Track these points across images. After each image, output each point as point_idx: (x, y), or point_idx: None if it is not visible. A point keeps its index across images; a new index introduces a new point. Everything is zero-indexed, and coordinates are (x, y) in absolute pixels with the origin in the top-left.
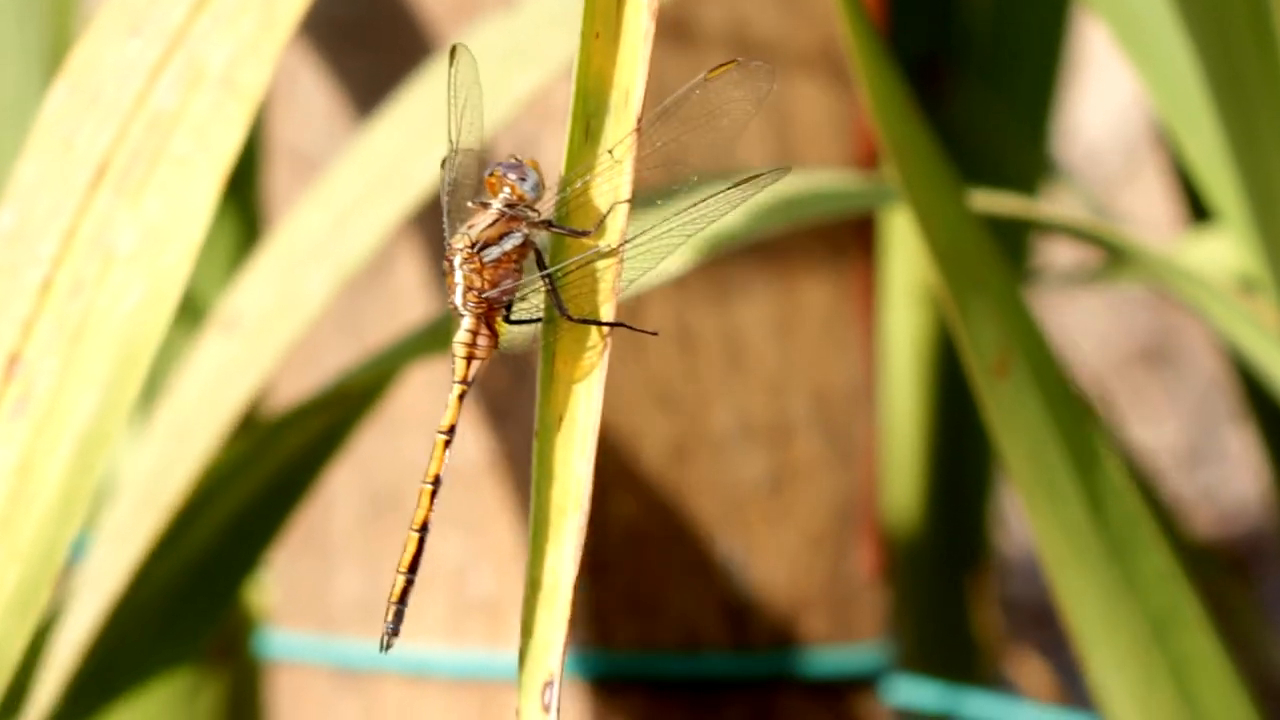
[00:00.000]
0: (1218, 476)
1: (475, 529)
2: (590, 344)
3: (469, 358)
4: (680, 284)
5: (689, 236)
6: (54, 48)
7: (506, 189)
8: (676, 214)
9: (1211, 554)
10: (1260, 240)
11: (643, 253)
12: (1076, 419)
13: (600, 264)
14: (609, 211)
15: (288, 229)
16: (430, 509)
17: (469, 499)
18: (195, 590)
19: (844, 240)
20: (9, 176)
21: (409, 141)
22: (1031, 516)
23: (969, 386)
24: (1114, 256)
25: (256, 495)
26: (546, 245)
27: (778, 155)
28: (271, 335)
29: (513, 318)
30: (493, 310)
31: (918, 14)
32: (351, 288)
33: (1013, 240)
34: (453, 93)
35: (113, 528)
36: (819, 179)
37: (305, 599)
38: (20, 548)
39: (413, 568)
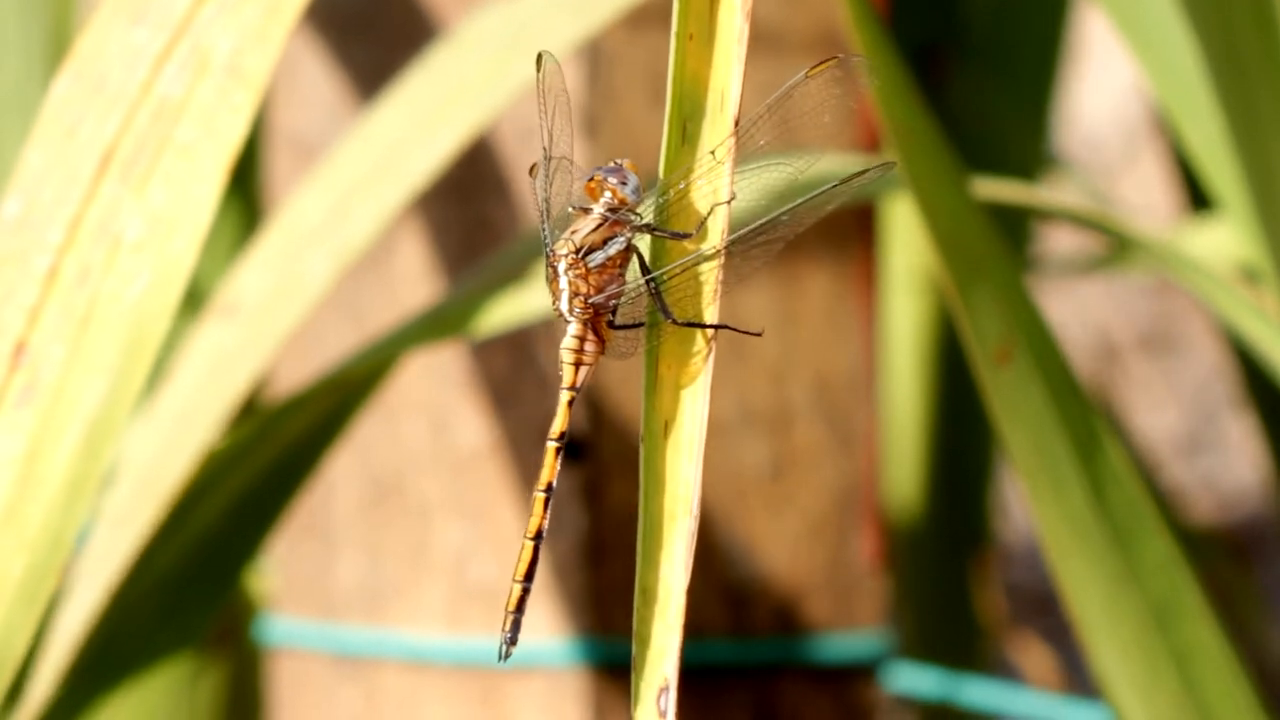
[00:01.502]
0: (1218, 463)
1: (476, 516)
2: (695, 348)
3: (577, 364)
4: None
5: (792, 233)
6: (56, 36)
7: (608, 193)
8: (779, 211)
9: (1211, 541)
10: (1260, 227)
11: (747, 253)
12: (1079, 406)
13: (703, 266)
14: (710, 213)
15: (288, 215)
16: (544, 517)
17: (470, 486)
18: (196, 576)
19: (845, 228)
20: (15, 164)
21: (409, 128)
22: (1034, 503)
23: (970, 374)
24: (1114, 243)
25: (257, 482)
26: (648, 249)
27: (779, 142)
28: (271, 321)
29: (617, 322)
30: (598, 315)
31: (919, 1)
32: (352, 274)
33: (1013, 228)
34: (542, 100)
35: (113, 514)
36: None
37: (306, 585)
38: (27, 536)
39: (528, 576)
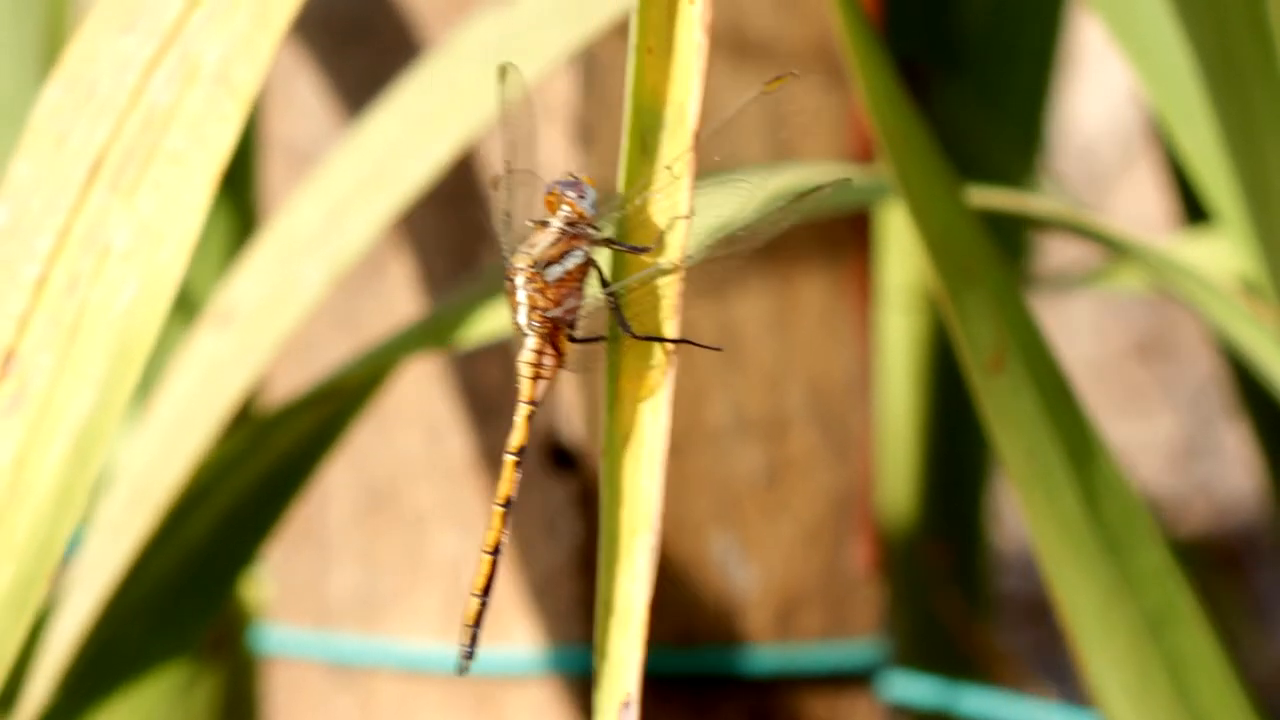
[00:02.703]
0: (1213, 472)
1: (471, 525)
2: (654, 362)
3: (535, 377)
4: None
5: (750, 248)
6: (48, 43)
7: (566, 207)
8: (737, 227)
9: (1206, 549)
10: (1256, 236)
11: (704, 267)
12: (1072, 414)
13: (662, 281)
14: (669, 227)
15: (282, 223)
16: (502, 530)
17: (465, 495)
18: (191, 584)
19: (840, 235)
20: (3, 173)
21: (403, 136)
22: (1027, 511)
23: (965, 381)
24: (1108, 256)
25: (252, 490)
26: (607, 263)
27: (773, 151)
28: (265, 329)
29: (576, 336)
30: (557, 329)
31: (913, 10)
32: (347, 283)
33: (1009, 241)
34: (504, 110)
35: (107, 522)
36: (814, 173)
37: (301, 594)
38: (15, 545)
39: (486, 590)
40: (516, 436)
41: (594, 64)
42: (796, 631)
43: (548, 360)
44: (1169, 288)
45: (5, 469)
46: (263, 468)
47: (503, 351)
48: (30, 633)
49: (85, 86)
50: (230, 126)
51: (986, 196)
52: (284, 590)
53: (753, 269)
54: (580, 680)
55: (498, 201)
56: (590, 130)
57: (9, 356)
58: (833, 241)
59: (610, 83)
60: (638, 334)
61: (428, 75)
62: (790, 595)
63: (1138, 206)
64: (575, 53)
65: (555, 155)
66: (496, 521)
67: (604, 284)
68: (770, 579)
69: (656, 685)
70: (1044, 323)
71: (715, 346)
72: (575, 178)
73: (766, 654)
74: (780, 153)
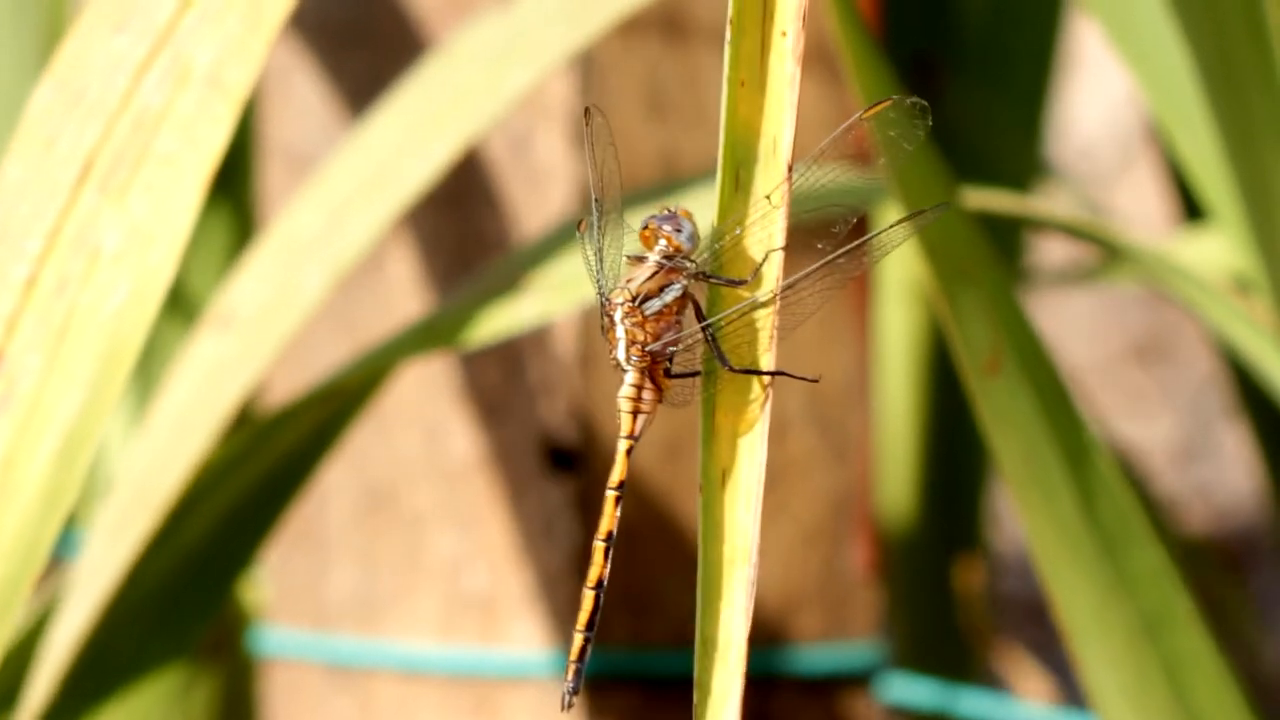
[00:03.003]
0: (1212, 473)
1: (468, 526)
2: (752, 395)
3: (635, 412)
4: None
5: (850, 276)
6: (48, 44)
7: (663, 240)
8: (836, 254)
9: (1205, 550)
10: (1253, 237)
11: (803, 298)
12: (1068, 415)
13: (759, 313)
14: (764, 260)
15: (282, 226)
16: (605, 566)
17: (463, 496)
18: (189, 586)
19: (837, 237)
20: None
21: (402, 139)
22: (1023, 513)
23: (963, 383)
24: (1108, 253)
25: (250, 492)
26: (704, 296)
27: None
28: (266, 332)
29: (673, 370)
30: (655, 364)
31: (912, 11)
32: (345, 285)
33: (1007, 238)
34: (590, 151)
35: (107, 524)
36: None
37: (299, 596)
38: (2, 545)
39: (589, 625)
40: (617, 472)
41: (591, 66)
42: (795, 633)
43: (647, 395)
44: (1168, 289)
45: None
46: (261, 469)
47: (501, 352)
48: (30, 634)
49: (76, 88)
50: (222, 128)
51: (983, 198)
52: (283, 592)
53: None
54: None
55: (587, 241)
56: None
57: None
58: (830, 244)
59: (609, 84)
60: (735, 367)
61: (427, 78)
62: (789, 597)
63: (1136, 208)
64: (574, 55)
65: (554, 156)
66: (599, 557)
67: (700, 317)
68: (768, 581)
69: (655, 686)
70: (1041, 325)
71: (813, 378)
72: (672, 211)
73: (764, 656)
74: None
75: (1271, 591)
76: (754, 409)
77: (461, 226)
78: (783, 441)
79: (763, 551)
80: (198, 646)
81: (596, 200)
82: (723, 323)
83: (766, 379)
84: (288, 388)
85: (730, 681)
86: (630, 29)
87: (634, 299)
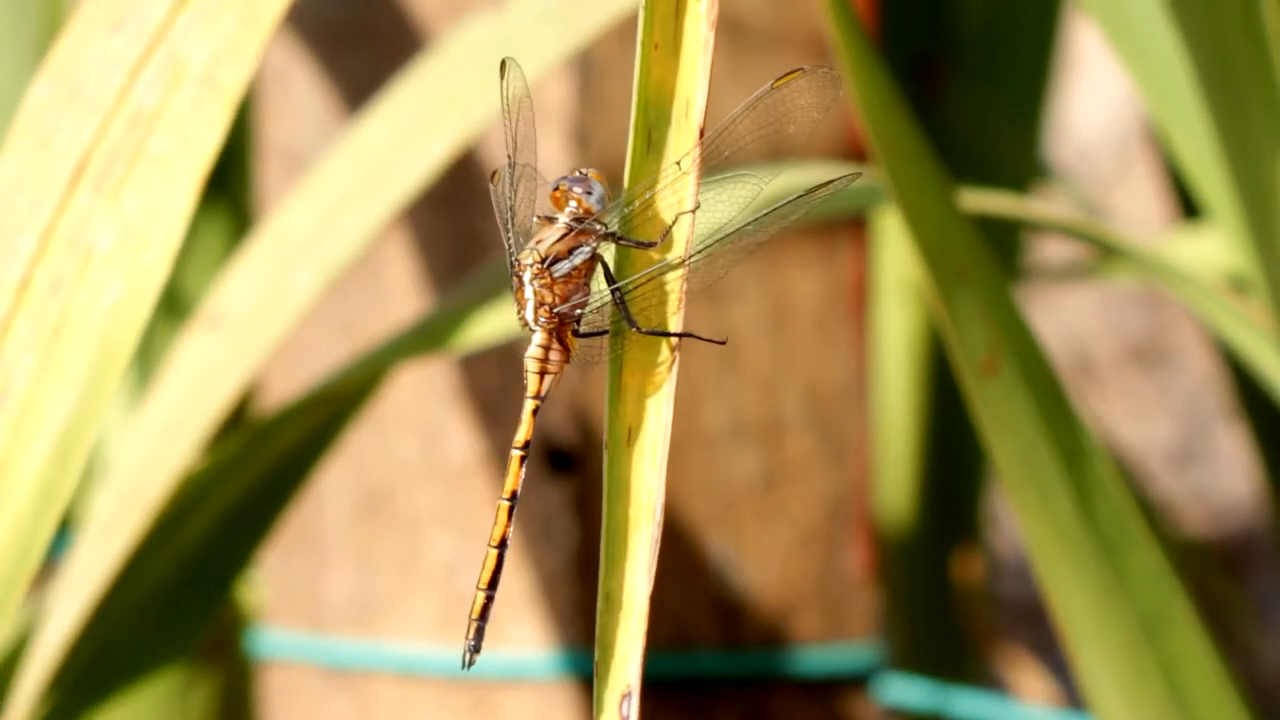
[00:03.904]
0: (1209, 474)
1: (467, 528)
2: (660, 357)
3: (542, 372)
4: None
5: (757, 243)
6: (46, 43)
7: (573, 202)
8: (746, 222)
9: (1203, 552)
10: (1251, 237)
11: (712, 263)
12: (1065, 417)
13: (668, 276)
14: (675, 223)
15: (275, 226)
16: (508, 525)
17: (460, 498)
18: (188, 588)
19: (836, 238)
20: None
21: (398, 139)
22: (1020, 514)
23: (960, 385)
24: (1106, 254)
25: (248, 494)
26: (613, 258)
27: (769, 151)
28: (258, 332)
29: (581, 330)
30: (564, 325)
31: (910, 13)
32: (342, 286)
33: (1004, 238)
34: (505, 106)
35: (98, 524)
36: (810, 176)
37: (297, 597)
38: None
39: (492, 584)
40: (523, 432)
41: (589, 66)
42: (792, 635)
43: (554, 355)
44: (1166, 290)
45: None
46: (259, 471)
47: (498, 354)
48: (20, 635)
49: (71, 86)
50: (215, 128)
51: (980, 199)
52: (280, 593)
53: (749, 273)
54: (577, 683)
55: (500, 197)
56: (586, 132)
57: None
58: (829, 245)
59: (605, 85)
60: (643, 329)
61: (423, 78)
62: (787, 598)
63: (1135, 208)
64: (571, 55)
65: (551, 157)
66: (502, 516)
67: (610, 279)
68: (767, 582)
69: (654, 688)
70: (1039, 326)
71: (720, 340)
72: (583, 173)
73: (762, 657)
74: (775, 153)
75: (1269, 592)
76: (662, 370)
77: (459, 228)
78: (781, 443)
79: (760, 553)
80: (196, 648)
81: (510, 156)
82: (631, 285)
83: (675, 340)
84: (285, 389)
85: (632, 641)
86: (628, 30)
87: (543, 260)
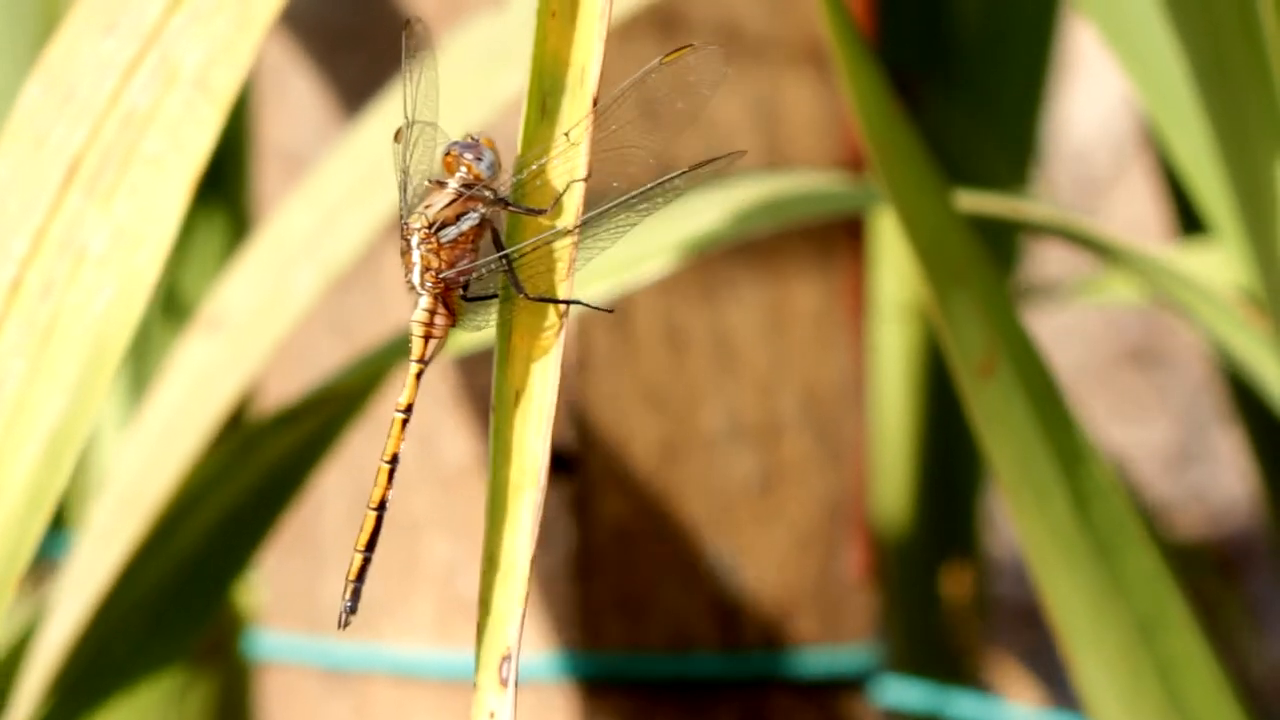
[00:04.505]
0: (1206, 477)
1: (464, 530)
2: (548, 322)
3: (426, 336)
4: (669, 284)
5: (644, 216)
6: (41, 44)
7: (463, 168)
8: (632, 194)
9: (1199, 555)
10: (1248, 242)
11: (599, 233)
12: (1062, 420)
13: (557, 243)
14: (565, 190)
15: (274, 228)
16: (388, 487)
17: (458, 501)
18: (185, 590)
19: (833, 240)
20: None
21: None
22: (1017, 517)
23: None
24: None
25: (246, 496)
26: (503, 224)
27: (765, 154)
28: (257, 335)
29: (469, 295)
30: (450, 290)
31: (904, 18)
32: (340, 288)
33: (1001, 250)
34: (407, 65)
35: (97, 528)
36: (806, 179)
37: (295, 599)
38: None
39: (369, 545)
40: (406, 395)
41: None
42: (790, 637)
43: (440, 320)
44: (1162, 295)
45: None
46: (257, 474)
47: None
48: (20, 639)
49: (64, 87)
50: (208, 131)
51: (977, 201)
52: (278, 596)
53: (746, 276)
54: (575, 685)
55: (397, 158)
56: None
57: None
58: (826, 247)
59: (603, 86)
60: (531, 295)
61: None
62: (784, 601)
63: (1131, 213)
64: None
65: None
66: (381, 478)
67: (499, 245)
68: (764, 585)
69: (650, 690)
70: (1036, 329)
71: (607, 309)
72: (474, 139)
73: (760, 659)
74: (772, 157)
75: (1265, 596)
76: (549, 335)
77: None
78: (778, 445)
79: (758, 554)
80: (194, 650)
81: (408, 116)
82: (519, 252)
83: (563, 308)
84: (283, 392)
85: (512, 604)
86: (625, 32)
87: (430, 226)
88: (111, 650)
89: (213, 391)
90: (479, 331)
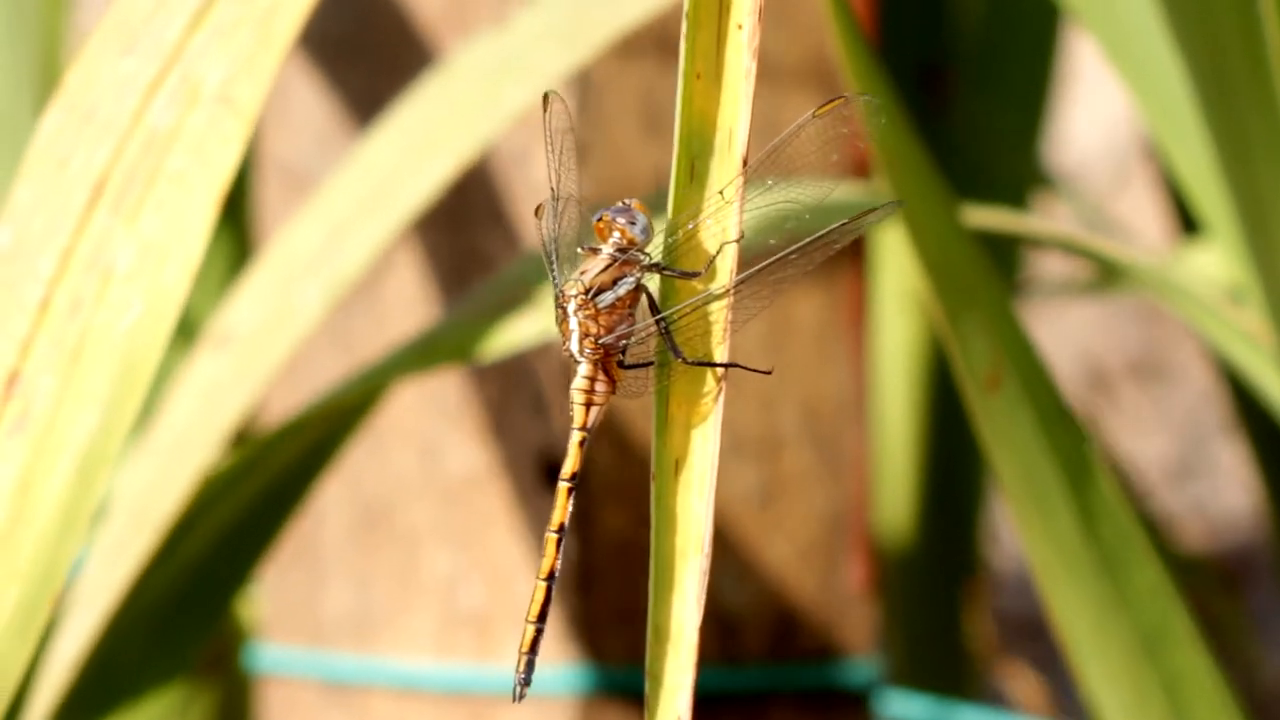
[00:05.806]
0: (1208, 489)
1: (465, 543)
2: (705, 387)
3: (588, 404)
4: None
5: (802, 270)
6: (44, 66)
7: (616, 233)
8: (791, 249)
9: (1202, 567)
10: (1249, 251)
11: (756, 292)
12: (1068, 432)
13: (712, 305)
14: (718, 252)
15: (280, 245)
16: (557, 558)
17: (459, 513)
18: (187, 604)
19: (834, 255)
20: (5, 195)
21: (401, 157)
22: (1023, 529)
23: (960, 399)
24: (1104, 267)
25: (247, 509)
26: (657, 289)
27: (786, 179)
28: (264, 352)
29: (626, 362)
30: (609, 356)
31: (909, 26)
32: (343, 302)
33: (1004, 253)
34: (549, 139)
35: (106, 544)
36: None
37: (295, 613)
38: (19, 567)
39: (541, 617)
40: (570, 464)
41: (588, 84)
42: (791, 650)
43: (600, 386)
44: (1165, 305)
45: (9, 492)
46: (258, 487)
47: (498, 369)
48: (32, 654)
49: (87, 108)
50: (233, 146)
51: (983, 216)
52: (279, 609)
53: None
54: (576, 698)
55: (545, 229)
56: (585, 149)
57: (13, 379)
58: (827, 261)
59: (605, 102)
60: (689, 359)
61: (426, 95)
62: (785, 614)
63: (1134, 222)
64: (571, 73)
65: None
66: (551, 549)
67: (654, 310)
68: (765, 598)
69: None
70: (1040, 342)
71: (766, 370)
72: (626, 204)
73: (761, 672)
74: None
75: (1268, 608)
76: (707, 401)
77: (459, 243)
78: (779, 458)
79: (758, 568)
80: (194, 663)
81: (553, 189)
82: (676, 315)
83: (720, 371)
84: (285, 405)
85: (682, 672)
86: (627, 48)
87: (587, 291)
88: (114, 663)
89: (221, 408)
90: (637, 398)
